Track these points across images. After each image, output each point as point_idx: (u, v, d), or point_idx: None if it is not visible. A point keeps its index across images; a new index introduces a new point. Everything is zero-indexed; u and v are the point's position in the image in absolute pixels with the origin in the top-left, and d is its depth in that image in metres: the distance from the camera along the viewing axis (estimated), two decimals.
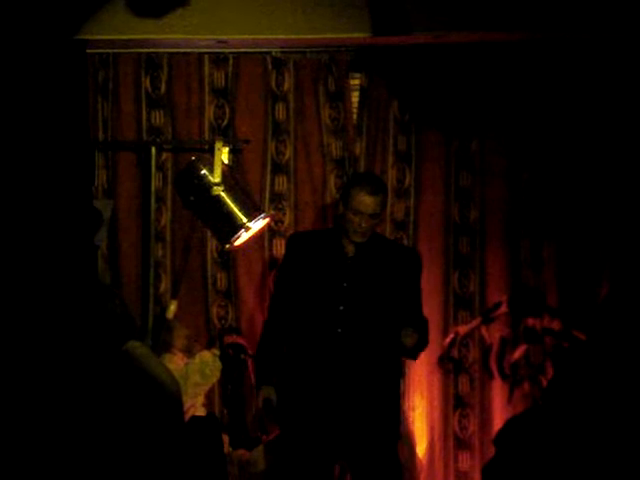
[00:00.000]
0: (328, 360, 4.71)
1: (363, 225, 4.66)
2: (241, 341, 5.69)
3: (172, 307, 5.62)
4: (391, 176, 5.78)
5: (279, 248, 5.76)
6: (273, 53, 5.73)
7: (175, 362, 5.41)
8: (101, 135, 5.76)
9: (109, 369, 4.64)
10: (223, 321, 5.78)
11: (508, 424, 4.99)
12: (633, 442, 4.39)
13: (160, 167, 5.73)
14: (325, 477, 4.78)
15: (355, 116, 5.76)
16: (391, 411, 4.79)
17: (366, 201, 4.65)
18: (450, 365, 5.74)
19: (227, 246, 5.56)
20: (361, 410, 4.72)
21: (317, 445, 4.72)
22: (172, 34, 5.50)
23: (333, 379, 4.71)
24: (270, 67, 5.75)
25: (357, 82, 5.76)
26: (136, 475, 4.50)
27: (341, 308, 4.69)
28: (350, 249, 4.75)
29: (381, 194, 4.69)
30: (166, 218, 5.77)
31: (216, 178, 5.48)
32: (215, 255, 5.78)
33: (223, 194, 5.49)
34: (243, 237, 5.53)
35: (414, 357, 4.83)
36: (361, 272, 4.72)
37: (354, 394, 4.71)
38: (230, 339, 5.72)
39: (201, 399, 5.51)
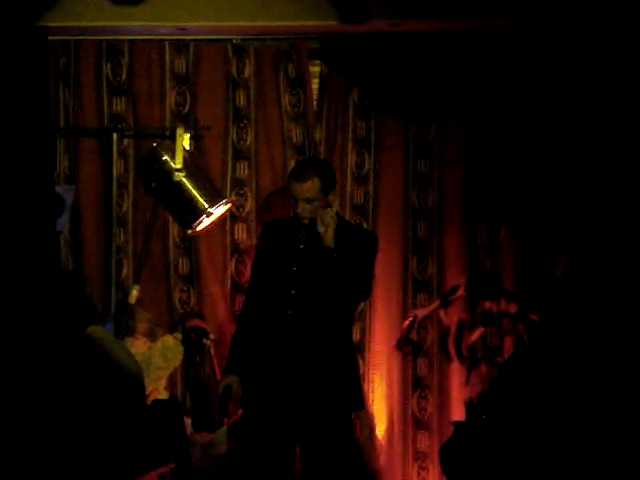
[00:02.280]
0: (280, 342, 4.79)
1: (300, 210, 4.80)
2: (203, 325, 5.73)
3: (134, 292, 5.65)
4: (351, 161, 5.85)
5: (240, 233, 5.82)
6: (234, 40, 5.76)
7: (138, 346, 5.44)
8: (62, 121, 5.77)
9: (71, 353, 4.67)
10: (185, 305, 5.82)
11: (467, 408, 5.10)
12: (583, 419, 4.49)
13: (122, 153, 5.75)
14: (286, 458, 4.84)
15: (315, 103, 5.80)
16: (346, 390, 4.84)
17: (296, 188, 4.81)
18: (409, 347, 5.79)
19: (189, 231, 5.61)
20: (314, 390, 4.78)
21: (276, 426, 4.78)
22: (133, 21, 5.51)
23: (286, 361, 4.78)
24: (231, 54, 5.78)
25: (317, 69, 5.81)
26: (98, 456, 4.54)
27: (293, 292, 4.79)
28: (305, 233, 4.84)
29: (309, 180, 4.80)
30: (128, 204, 5.80)
31: (177, 164, 5.52)
32: (177, 240, 5.81)
33: (185, 180, 5.53)
34: (205, 222, 5.57)
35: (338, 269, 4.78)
36: (312, 255, 4.80)
37: (306, 374, 4.78)
38: (192, 323, 5.75)
39: (163, 383, 5.54)
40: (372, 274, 4.92)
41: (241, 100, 5.80)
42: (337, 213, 4.88)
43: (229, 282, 5.82)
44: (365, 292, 4.89)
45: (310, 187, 4.79)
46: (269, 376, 4.80)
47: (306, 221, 4.84)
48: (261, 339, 4.84)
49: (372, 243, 4.95)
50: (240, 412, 5.10)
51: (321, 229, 4.70)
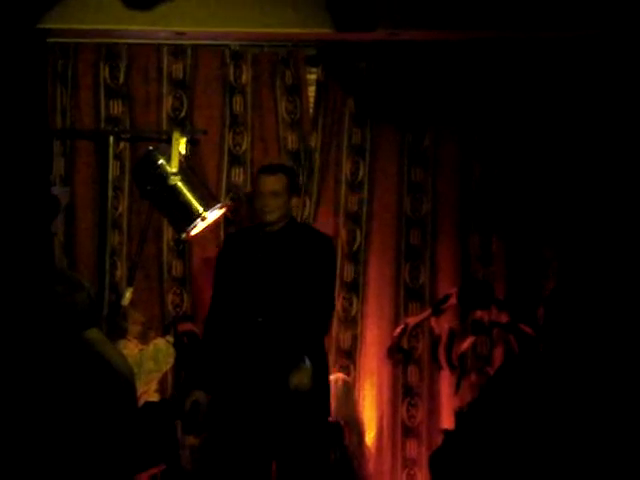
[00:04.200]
0: (250, 350, 4.78)
1: (265, 203, 4.83)
2: (195, 329, 5.74)
3: (128, 294, 5.64)
4: (345, 169, 5.87)
5: None
6: (232, 46, 5.78)
7: (130, 348, 5.45)
8: (59, 123, 5.79)
9: (64, 354, 4.68)
10: (178, 309, 5.84)
11: (457, 416, 5.11)
12: (575, 430, 4.51)
13: (118, 156, 5.77)
14: (262, 474, 4.82)
15: (311, 110, 5.83)
16: (316, 399, 4.81)
17: (264, 180, 4.86)
18: (400, 355, 5.81)
19: (183, 235, 5.61)
20: (284, 401, 4.75)
21: (250, 442, 4.76)
22: (132, 25, 5.54)
23: (256, 373, 4.77)
24: (228, 60, 5.80)
25: (314, 76, 5.83)
26: (89, 457, 4.55)
27: (260, 298, 4.80)
28: (267, 239, 4.87)
29: (277, 173, 4.87)
30: (123, 206, 5.82)
31: (173, 168, 5.52)
32: (171, 244, 5.84)
33: (180, 184, 5.53)
34: (199, 226, 5.57)
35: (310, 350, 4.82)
36: (274, 261, 4.84)
37: (275, 386, 4.75)
38: (184, 327, 5.76)
39: (154, 385, 5.55)
40: (333, 288, 4.94)
41: (238, 106, 5.83)
42: (294, 218, 4.94)
43: None
44: (329, 310, 4.90)
45: (277, 180, 4.84)
46: (239, 390, 4.78)
47: (270, 223, 4.83)
48: (229, 352, 4.83)
49: (329, 251, 4.94)
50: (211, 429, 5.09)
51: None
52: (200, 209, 5.51)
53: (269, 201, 4.83)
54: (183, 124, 5.78)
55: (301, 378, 4.68)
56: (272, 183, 4.84)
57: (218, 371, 4.84)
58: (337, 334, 5.82)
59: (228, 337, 4.85)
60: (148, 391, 5.46)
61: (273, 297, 4.80)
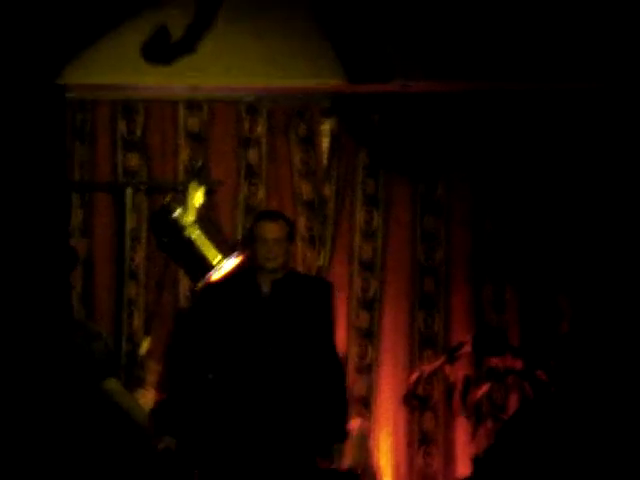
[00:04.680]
0: (254, 400, 4.70)
1: (267, 251, 4.74)
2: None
3: (145, 344, 5.70)
4: (359, 218, 5.92)
5: None
6: (247, 99, 5.84)
7: (147, 398, 5.48)
8: (77, 176, 5.84)
9: (83, 404, 4.73)
10: None
11: (473, 463, 5.12)
12: (590, 475, 4.51)
13: (135, 208, 5.81)
14: None
15: (325, 160, 5.89)
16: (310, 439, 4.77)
17: (267, 227, 4.76)
18: (415, 403, 5.83)
19: (199, 285, 5.66)
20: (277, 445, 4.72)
21: None
22: (148, 80, 5.62)
23: (260, 423, 4.70)
24: (243, 113, 5.87)
25: (327, 127, 5.90)
26: None
27: (263, 351, 4.70)
28: (267, 286, 4.79)
29: (281, 220, 4.82)
30: (140, 257, 5.86)
31: (190, 218, 5.60)
32: (187, 293, 5.86)
33: (196, 235, 5.60)
34: (215, 276, 5.63)
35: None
36: (279, 310, 4.76)
37: (274, 440, 4.71)
38: None
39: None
40: (333, 337, 4.84)
41: (253, 157, 5.89)
42: (292, 270, 4.90)
43: None
44: (337, 362, 4.85)
45: (280, 227, 4.78)
46: (238, 439, 4.70)
47: (273, 270, 4.74)
48: (229, 398, 4.72)
49: (327, 297, 4.85)
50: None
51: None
52: (216, 259, 5.57)
53: (273, 247, 4.75)
54: (199, 176, 5.82)
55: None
56: (276, 230, 4.77)
57: (193, 419, 4.73)
58: (352, 382, 5.83)
59: (227, 388, 4.74)
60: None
61: (279, 349, 4.72)
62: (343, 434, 4.76)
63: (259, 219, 4.85)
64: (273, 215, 4.88)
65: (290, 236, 4.84)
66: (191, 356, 4.79)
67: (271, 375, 4.71)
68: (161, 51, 5.53)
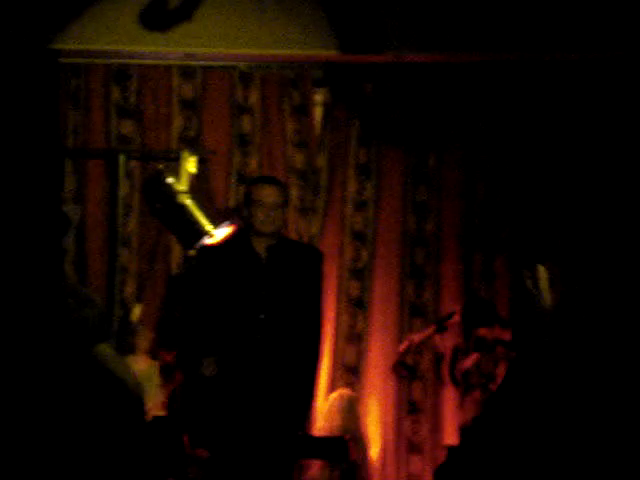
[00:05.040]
0: (250, 366, 4.74)
1: (264, 216, 4.76)
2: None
3: (137, 310, 5.73)
4: (351, 188, 5.95)
5: None
6: (241, 68, 5.86)
7: (139, 364, 5.50)
8: (71, 142, 5.86)
9: (74, 369, 4.75)
10: None
11: (461, 432, 5.15)
12: (578, 443, 4.55)
13: (128, 175, 5.83)
14: None
15: (318, 130, 5.91)
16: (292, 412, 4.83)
17: (265, 192, 4.78)
18: (404, 372, 5.87)
19: (190, 252, 5.69)
20: (262, 410, 4.77)
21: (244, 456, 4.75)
22: (143, 46, 5.64)
23: (254, 386, 4.75)
24: (237, 81, 5.88)
25: (320, 97, 5.92)
26: (98, 473, 4.61)
27: (262, 316, 4.75)
28: (262, 251, 4.81)
29: (278, 185, 4.85)
30: (133, 224, 5.88)
31: (182, 186, 5.62)
32: (179, 260, 5.89)
33: (188, 202, 5.62)
34: (209, 242, 5.64)
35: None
36: (276, 276, 4.80)
37: (265, 396, 4.76)
38: None
39: (162, 400, 5.61)
40: (320, 306, 4.87)
41: (246, 126, 5.91)
42: (284, 236, 4.91)
43: None
44: (318, 329, 4.87)
45: (278, 191, 4.81)
46: (234, 401, 4.76)
47: (268, 235, 4.77)
48: (226, 364, 4.76)
49: (318, 265, 4.89)
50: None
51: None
52: (208, 227, 5.60)
53: (270, 211, 4.76)
54: (192, 144, 5.85)
55: None
56: (274, 194, 4.79)
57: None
58: (342, 350, 5.88)
59: (224, 353, 4.78)
60: (156, 406, 5.52)
61: (276, 313, 4.77)
62: (307, 406, 4.80)
63: (256, 182, 4.87)
64: (271, 180, 4.91)
65: (285, 201, 4.87)
66: (191, 318, 4.83)
67: (265, 338, 4.74)
68: (158, 18, 5.54)
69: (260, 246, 4.82)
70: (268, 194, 4.78)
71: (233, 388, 4.75)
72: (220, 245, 5.08)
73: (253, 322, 4.75)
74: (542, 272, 4.57)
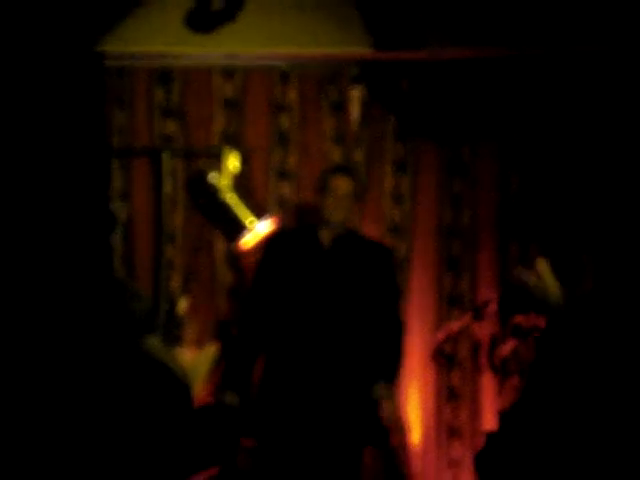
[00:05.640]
0: (312, 357, 4.81)
1: (335, 208, 4.84)
2: None
3: (182, 303, 5.82)
4: (388, 183, 6.02)
5: None
6: (280, 66, 5.92)
7: (186, 355, 5.59)
8: (117, 142, 5.94)
9: (125, 362, 4.88)
10: (230, 316, 5.92)
11: (500, 418, 5.20)
12: (614, 428, 4.59)
13: (172, 173, 5.91)
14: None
15: (355, 126, 5.98)
16: (363, 413, 4.93)
17: (340, 183, 4.87)
18: (443, 360, 5.94)
19: (234, 246, 5.79)
20: (336, 410, 4.85)
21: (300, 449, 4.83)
22: (184, 48, 5.74)
23: (316, 377, 4.82)
24: (276, 80, 5.96)
25: (357, 94, 5.97)
26: (149, 458, 4.73)
27: (322, 303, 4.80)
28: (327, 242, 4.87)
29: (351, 176, 4.92)
30: (178, 220, 5.96)
31: (224, 182, 5.72)
32: (223, 254, 5.96)
33: (230, 197, 5.72)
34: (250, 238, 5.75)
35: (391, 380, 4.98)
36: (339, 266, 4.84)
37: (332, 392, 4.83)
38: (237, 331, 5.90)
39: (208, 389, 5.70)
40: (399, 303, 5.03)
41: (285, 123, 5.98)
42: (352, 230, 4.94)
43: None
44: (403, 329, 5.02)
45: (352, 182, 4.88)
46: (297, 392, 4.81)
47: (335, 225, 4.81)
48: (287, 354, 4.82)
49: (391, 262, 4.98)
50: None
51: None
52: (249, 221, 5.70)
53: (342, 201, 4.81)
54: (233, 141, 5.91)
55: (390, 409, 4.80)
56: (348, 184, 4.85)
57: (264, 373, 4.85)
58: None
59: (286, 342, 4.83)
60: (202, 394, 5.62)
61: (336, 303, 4.82)
62: (392, 375, 4.89)
63: (334, 172, 4.92)
64: (347, 170, 4.94)
65: (357, 193, 4.93)
66: (260, 309, 4.88)
67: (329, 329, 4.79)
68: (203, 20, 5.64)
69: (326, 237, 4.86)
70: (342, 185, 4.83)
71: (300, 380, 4.80)
72: (287, 234, 5.10)
73: (314, 312, 4.78)
74: (543, 265, 4.63)
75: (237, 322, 5.13)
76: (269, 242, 5.13)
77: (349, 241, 4.91)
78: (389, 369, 4.90)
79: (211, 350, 5.63)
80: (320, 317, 4.84)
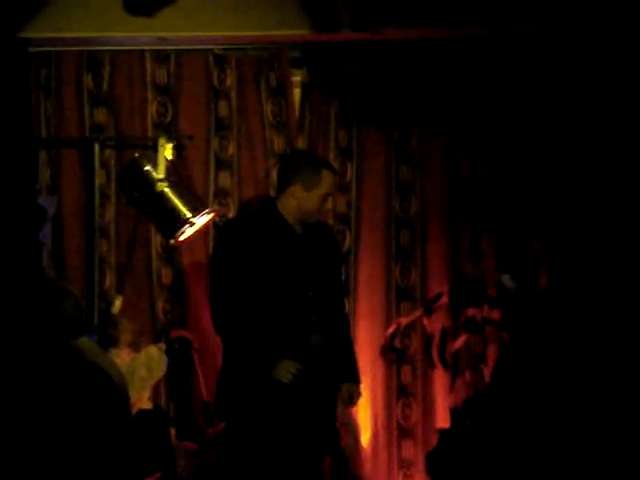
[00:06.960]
0: (297, 344, 4.68)
1: (323, 207, 4.80)
2: (187, 335, 5.75)
3: (117, 302, 5.68)
4: None
5: None
6: (215, 50, 5.80)
7: (121, 357, 5.46)
8: (44, 132, 5.79)
9: (56, 364, 4.69)
10: (169, 315, 5.83)
11: (452, 415, 5.12)
12: (570, 426, 4.52)
13: (103, 164, 5.77)
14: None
15: (297, 112, 5.85)
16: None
17: (333, 180, 4.80)
18: (393, 355, 5.84)
19: (172, 241, 5.64)
20: (326, 401, 4.82)
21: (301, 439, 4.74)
22: (114, 32, 5.56)
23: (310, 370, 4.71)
24: (212, 64, 5.82)
25: (299, 78, 5.86)
26: (84, 467, 4.56)
27: (310, 294, 4.70)
28: (298, 229, 4.77)
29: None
30: (110, 214, 5.82)
31: (160, 174, 5.57)
32: (160, 250, 5.84)
33: (167, 190, 5.57)
34: (188, 232, 5.61)
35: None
36: (312, 250, 4.76)
37: (324, 383, 4.78)
38: (176, 333, 5.77)
39: (147, 393, 5.56)
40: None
41: (223, 110, 5.85)
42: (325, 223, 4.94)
43: None
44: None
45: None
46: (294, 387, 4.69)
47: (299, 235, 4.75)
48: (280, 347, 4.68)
49: (335, 239, 5.06)
50: (222, 423, 5.07)
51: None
52: (188, 214, 5.56)
53: (328, 198, 4.81)
54: (168, 130, 5.79)
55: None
56: (335, 181, 4.89)
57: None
58: None
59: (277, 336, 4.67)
60: (141, 399, 5.47)
61: (321, 292, 4.73)
62: (356, 375, 4.87)
63: (328, 168, 4.77)
64: (334, 168, 4.87)
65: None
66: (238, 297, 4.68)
67: (308, 313, 4.70)
68: (142, 2, 5.47)
69: (296, 223, 4.76)
70: (332, 183, 4.79)
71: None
72: (248, 222, 4.84)
73: (303, 300, 4.68)
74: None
75: (226, 321, 4.80)
76: (232, 232, 4.82)
77: (313, 225, 4.81)
78: (355, 367, 4.89)
79: (152, 351, 5.47)
80: (302, 303, 4.70)
